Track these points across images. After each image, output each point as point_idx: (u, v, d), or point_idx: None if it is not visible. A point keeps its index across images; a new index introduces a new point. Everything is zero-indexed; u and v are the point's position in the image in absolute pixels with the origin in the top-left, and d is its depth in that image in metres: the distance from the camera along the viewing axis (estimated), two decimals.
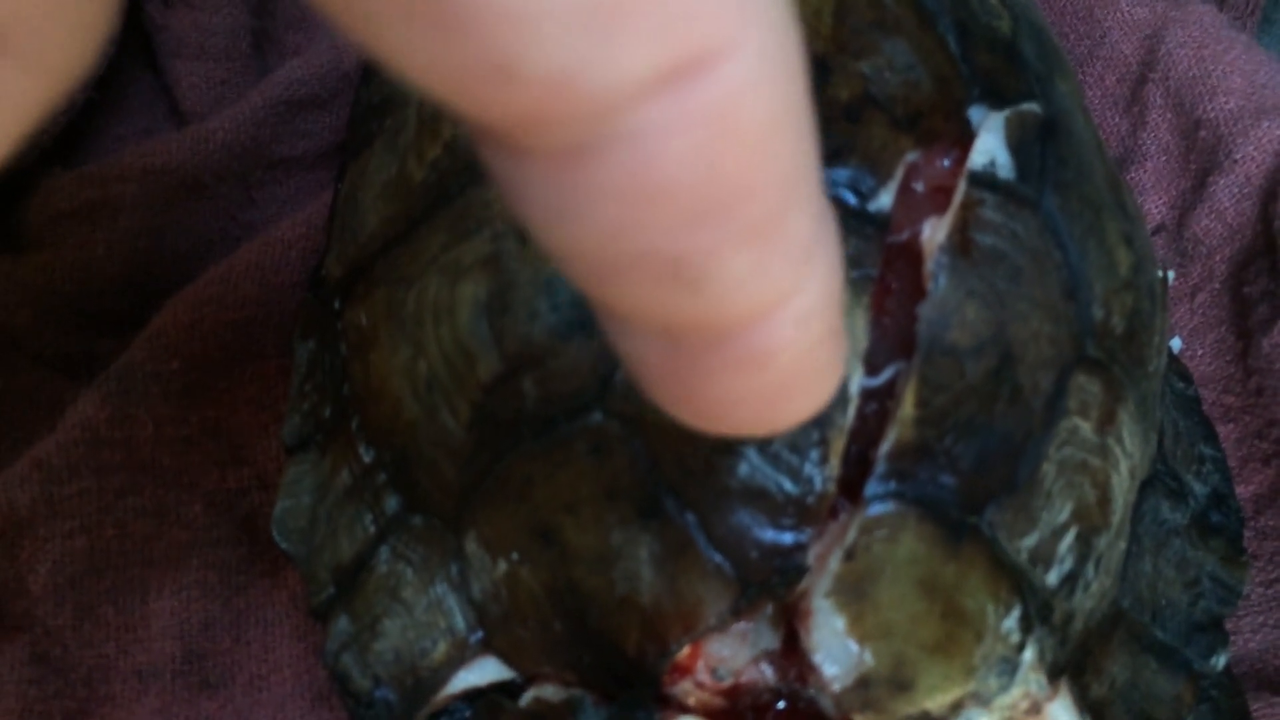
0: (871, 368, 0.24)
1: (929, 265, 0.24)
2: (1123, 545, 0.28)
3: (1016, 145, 0.26)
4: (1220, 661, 0.29)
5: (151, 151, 0.36)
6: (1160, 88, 0.40)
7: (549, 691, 0.26)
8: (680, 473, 0.24)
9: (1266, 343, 0.35)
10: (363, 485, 0.30)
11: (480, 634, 0.27)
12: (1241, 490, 0.35)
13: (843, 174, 0.25)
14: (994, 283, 0.24)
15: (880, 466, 0.24)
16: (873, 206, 0.25)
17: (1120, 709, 0.27)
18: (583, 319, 0.25)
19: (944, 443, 0.24)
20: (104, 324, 0.36)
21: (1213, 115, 0.39)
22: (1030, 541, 0.24)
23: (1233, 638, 0.33)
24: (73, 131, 0.38)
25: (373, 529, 0.29)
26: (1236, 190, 0.38)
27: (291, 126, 0.39)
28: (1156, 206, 0.40)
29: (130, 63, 0.40)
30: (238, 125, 0.37)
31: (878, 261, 0.24)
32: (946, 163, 0.26)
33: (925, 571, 0.24)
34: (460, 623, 0.27)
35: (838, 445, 0.23)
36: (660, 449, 0.24)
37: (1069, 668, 0.26)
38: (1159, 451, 0.30)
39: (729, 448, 0.24)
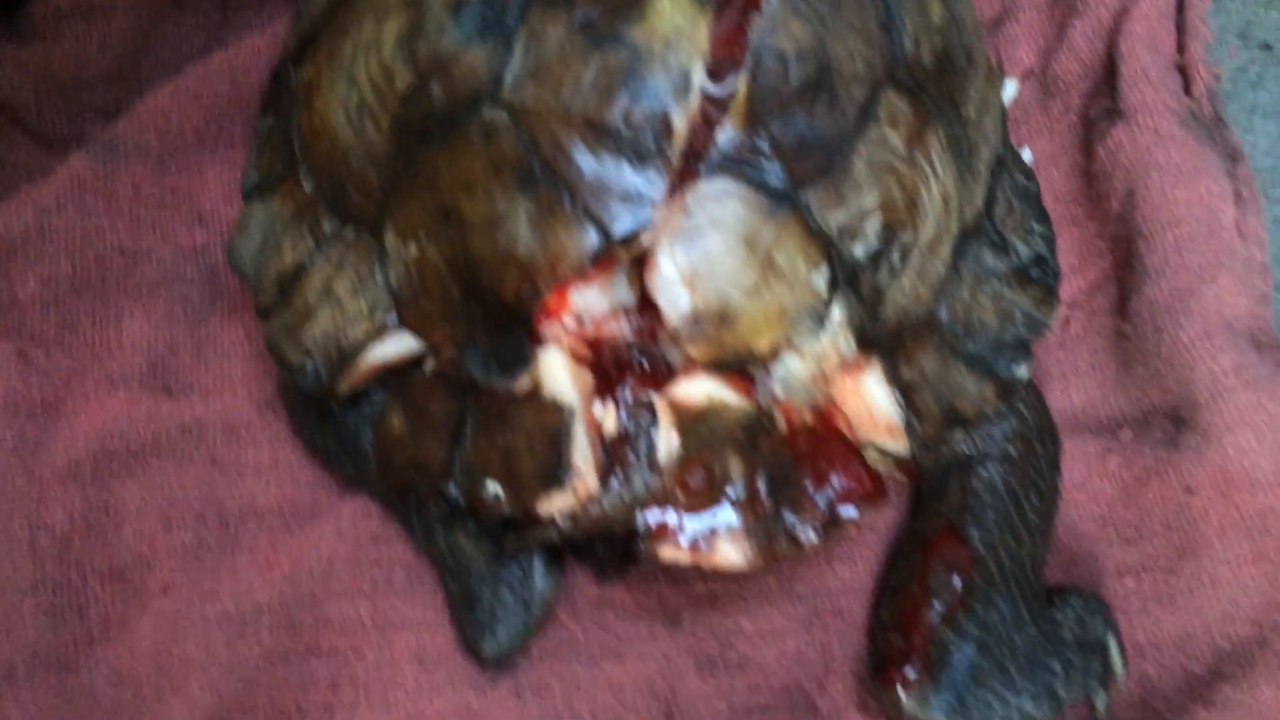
0: (712, 72, 0.29)
1: None
2: (940, 264, 0.33)
3: None
4: (1023, 371, 0.33)
5: None
6: None
7: (447, 349, 0.31)
8: (553, 148, 0.29)
9: (1103, 149, 0.40)
10: (304, 211, 0.35)
11: (394, 314, 0.32)
12: (1080, 280, 0.40)
13: None
14: (817, 6, 0.30)
15: (715, 148, 0.29)
16: None
17: (929, 395, 0.32)
18: (481, 29, 0.30)
19: (770, 131, 0.29)
20: (93, 110, 0.42)
21: None
22: (839, 218, 0.30)
23: (1059, 401, 0.38)
24: None
25: (311, 243, 0.34)
26: (1090, 32, 0.43)
27: None
28: (1027, 54, 0.45)
29: None
30: None
31: None
32: None
33: (748, 231, 0.29)
34: (379, 306, 0.32)
35: (681, 124, 0.29)
36: (537, 130, 0.29)
37: (881, 347, 0.31)
38: (987, 215, 0.36)
39: (593, 125, 0.29)
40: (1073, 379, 0.38)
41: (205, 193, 0.40)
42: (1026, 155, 0.42)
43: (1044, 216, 0.39)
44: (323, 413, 0.34)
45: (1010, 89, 0.42)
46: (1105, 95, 0.42)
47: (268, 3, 0.45)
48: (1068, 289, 0.40)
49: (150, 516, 0.34)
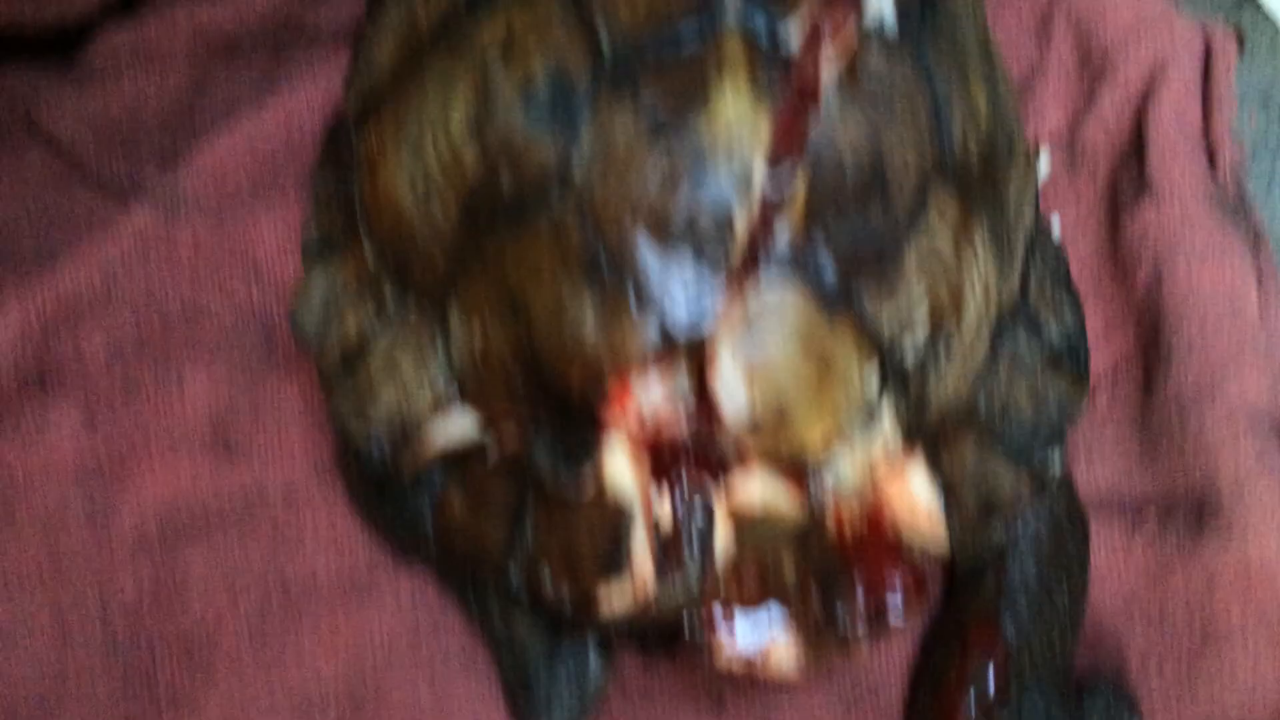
0: (772, 165, 0.30)
1: (824, 90, 0.31)
2: (980, 353, 0.35)
3: (902, 9, 0.32)
4: (1057, 462, 0.35)
5: (200, 14, 0.43)
6: (1063, 19, 0.47)
7: (509, 429, 0.33)
8: (618, 240, 0.30)
9: (1130, 227, 0.42)
10: (366, 279, 0.36)
11: (455, 387, 0.34)
12: (1105, 354, 0.42)
13: (760, 14, 0.31)
14: (873, 111, 0.31)
15: (774, 245, 0.30)
16: (781, 40, 0.31)
17: (968, 487, 0.34)
18: (550, 117, 0.31)
19: (826, 229, 0.30)
20: (151, 156, 0.43)
21: (1102, 42, 0.46)
22: (890, 316, 0.31)
23: (1084, 477, 0.39)
24: None
25: (374, 313, 0.36)
26: (1119, 101, 0.44)
27: (321, 5, 0.45)
28: (1055, 120, 0.46)
29: None
30: (273, 1, 0.44)
31: (782, 86, 0.31)
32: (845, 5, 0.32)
33: (805, 330, 0.30)
34: (441, 381, 0.34)
35: (743, 221, 0.30)
36: (604, 221, 0.30)
37: (925, 441, 0.33)
38: (1022, 295, 0.37)
39: (657, 218, 0.30)
40: (1098, 456, 0.40)
41: (261, 245, 0.41)
42: (1055, 225, 0.44)
43: (1074, 293, 0.40)
44: (382, 487, 0.36)
45: (1044, 164, 0.43)
46: (1133, 167, 0.43)
47: (319, 47, 0.46)
48: (1093, 363, 0.41)
49: (216, 586, 0.36)
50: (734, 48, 0.31)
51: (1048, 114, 0.46)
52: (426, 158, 0.34)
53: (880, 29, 0.32)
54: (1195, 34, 0.45)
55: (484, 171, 0.32)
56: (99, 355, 0.38)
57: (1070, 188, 0.45)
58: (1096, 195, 0.44)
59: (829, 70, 0.31)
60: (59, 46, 0.43)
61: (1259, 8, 0.53)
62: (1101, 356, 0.42)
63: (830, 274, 0.31)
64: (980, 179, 0.33)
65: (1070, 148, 0.46)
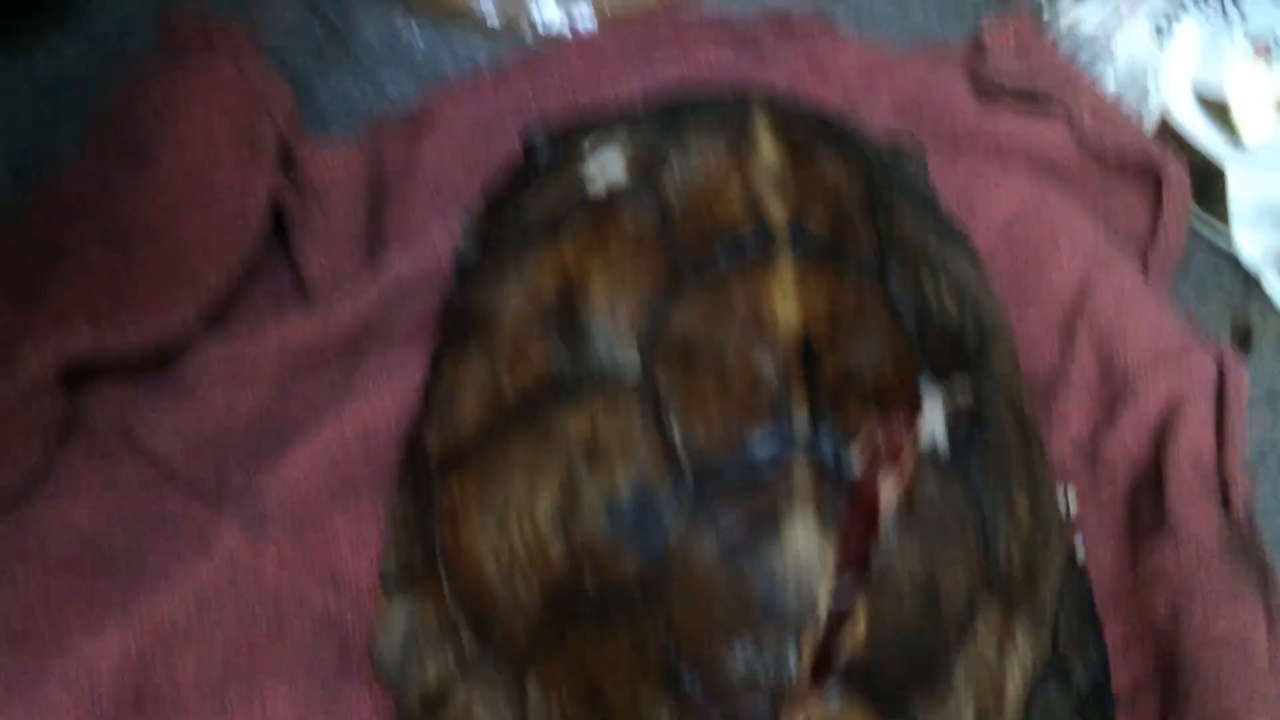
0: (836, 589, 0.34)
1: (882, 520, 0.34)
2: None
3: (953, 429, 0.36)
4: None
5: (288, 329, 0.46)
6: (1087, 328, 0.51)
7: None
8: (694, 654, 0.33)
9: (1150, 561, 0.45)
10: (447, 627, 0.39)
11: None
12: (1124, 668, 0.45)
13: (826, 441, 0.34)
14: (928, 535, 0.34)
15: (837, 668, 0.33)
16: (845, 466, 0.34)
17: None
18: (634, 531, 0.34)
19: (885, 648, 0.33)
20: (237, 464, 0.46)
21: (1123, 360, 0.49)
22: None
23: None
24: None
25: (454, 665, 0.38)
26: (1136, 425, 0.48)
27: (396, 308, 0.48)
28: (1077, 422, 0.50)
29: (267, 241, 0.50)
30: (356, 308, 0.47)
31: (845, 509, 0.34)
32: (902, 423, 0.36)
33: None
34: None
35: (809, 645, 0.33)
36: (682, 635, 0.33)
37: None
38: (1052, 643, 0.40)
39: (731, 637, 0.33)
40: None
41: (339, 554, 0.44)
42: (1080, 547, 0.47)
43: (1097, 624, 0.43)
44: None
45: (1071, 502, 0.46)
46: (1151, 495, 0.46)
47: (395, 348, 0.49)
48: (1114, 680, 0.44)
49: None
50: (802, 476, 0.34)
51: (1071, 421, 0.50)
52: (511, 536, 0.37)
53: (934, 450, 0.35)
54: (1210, 363, 0.48)
55: (569, 567, 0.35)
56: (190, 679, 0.41)
57: (1093, 498, 0.48)
58: (1118, 509, 0.47)
59: (889, 496, 0.34)
60: (157, 360, 0.46)
61: (1267, 299, 0.57)
62: (1121, 675, 0.45)
63: (887, 689, 0.34)
64: (1022, 582, 0.36)
65: (1092, 456, 0.49)
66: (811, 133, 0.42)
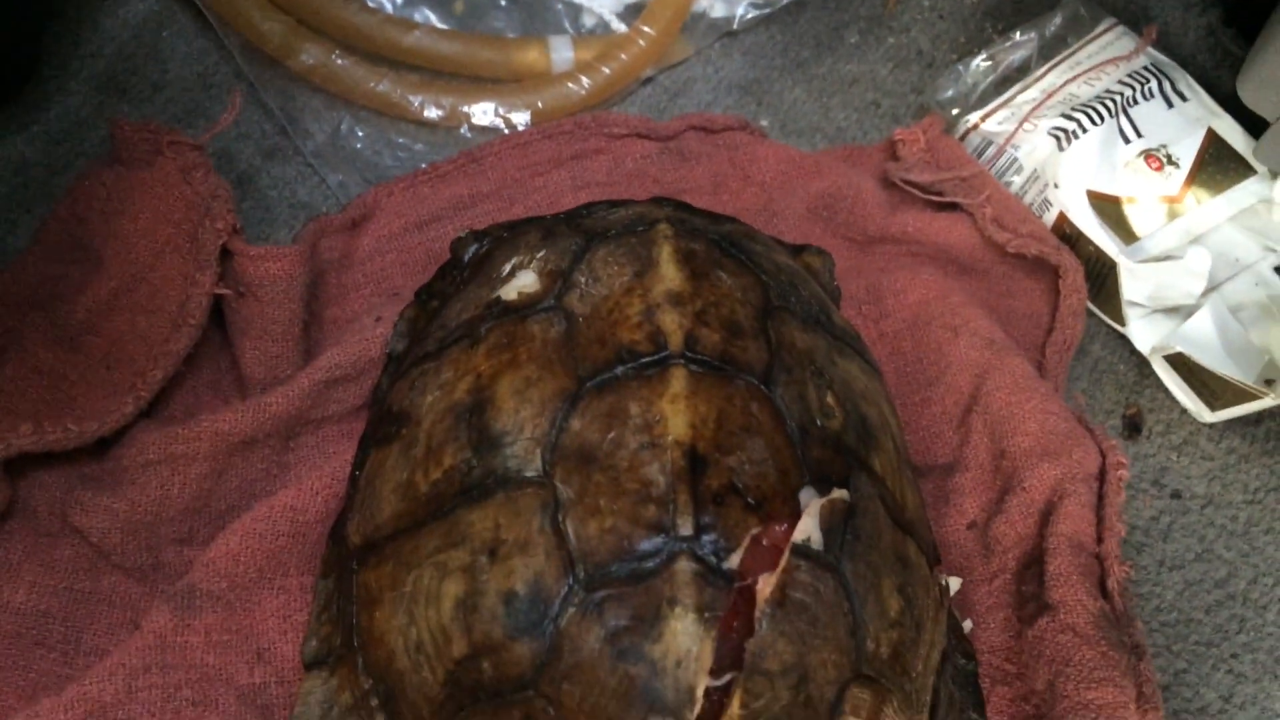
0: (713, 674, 0.36)
1: (758, 612, 0.37)
2: None
3: (827, 526, 0.39)
4: None
5: (221, 418, 0.48)
6: (981, 417, 0.54)
7: None
8: None
9: (1030, 633, 0.48)
10: (360, 705, 0.41)
11: None
12: None
13: (708, 543, 0.37)
14: (800, 625, 0.37)
15: None
16: (725, 566, 0.37)
17: None
18: (528, 626, 0.37)
19: None
20: (171, 541, 0.48)
21: (1012, 449, 0.52)
22: None
23: None
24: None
25: None
26: (1023, 510, 0.51)
27: (327, 396, 0.51)
28: (972, 506, 0.53)
29: (208, 334, 0.52)
30: (288, 398, 0.50)
31: (724, 605, 0.37)
32: (781, 529, 0.39)
33: None
34: None
35: None
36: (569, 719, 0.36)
37: None
38: (931, 715, 0.43)
39: None
40: None
41: (265, 630, 0.47)
42: (967, 626, 0.50)
43: (979, 699, 0.46)
44: None
45: (954, 586, 0.49)
46: (1035, 579, 0.50)
47: (326, 431, 0.51)
48: None
49: None
50: (684, 575, 0.37)
51: (966, 503, 0.53)
52: (419, 623, 0.40)
53: (808, 548, 0.38)
54: (1094, 454, 0.52)
55: (469, 653, 0.38)
56: None
57: (984, 569, 0.51)
58: (1007, 587, 0.51)
59: (765, 592, 0.37)
60: (95, 445, 0.48)
61: (1160, 387, 0.60)
62: None
63: None
64: (890, 666, 0.39)
65: (985, 536, 0.52)
66: (713, 253, 0.45)
